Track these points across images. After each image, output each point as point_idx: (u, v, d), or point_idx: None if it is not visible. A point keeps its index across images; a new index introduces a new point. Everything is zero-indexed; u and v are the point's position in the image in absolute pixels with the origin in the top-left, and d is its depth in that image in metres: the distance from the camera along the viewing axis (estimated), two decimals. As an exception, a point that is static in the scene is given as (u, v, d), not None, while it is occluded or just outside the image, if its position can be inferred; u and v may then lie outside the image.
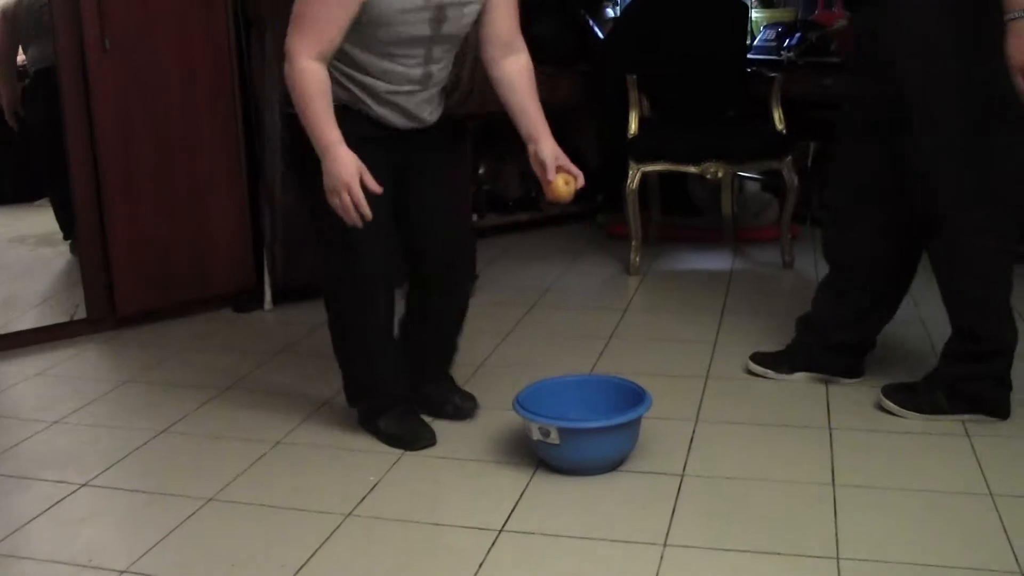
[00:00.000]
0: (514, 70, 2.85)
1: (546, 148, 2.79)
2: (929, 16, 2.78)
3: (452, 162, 3.15)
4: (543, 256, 5.29)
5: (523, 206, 5.85)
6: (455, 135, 3.07)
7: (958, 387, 3.02)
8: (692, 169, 4.82)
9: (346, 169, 2.59)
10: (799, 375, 3.38)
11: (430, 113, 2.91)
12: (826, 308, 3.32)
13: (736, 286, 4.62)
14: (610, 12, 6.35)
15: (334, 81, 2.72)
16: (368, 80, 2.76)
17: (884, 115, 2.96)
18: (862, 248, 3.17)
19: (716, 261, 5.12)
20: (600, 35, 5.93)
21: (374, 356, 3.00)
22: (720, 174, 4.79)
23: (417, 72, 2.78)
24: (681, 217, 5.73)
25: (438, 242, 3.03)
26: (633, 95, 5.01)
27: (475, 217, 5.53)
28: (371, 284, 2.90)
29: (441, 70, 2.85)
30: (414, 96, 2.83)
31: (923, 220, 2.98)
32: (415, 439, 3.00)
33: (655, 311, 4.34)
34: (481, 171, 5.76)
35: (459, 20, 2.75)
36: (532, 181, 5.83)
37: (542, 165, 2.79)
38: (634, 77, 5.03)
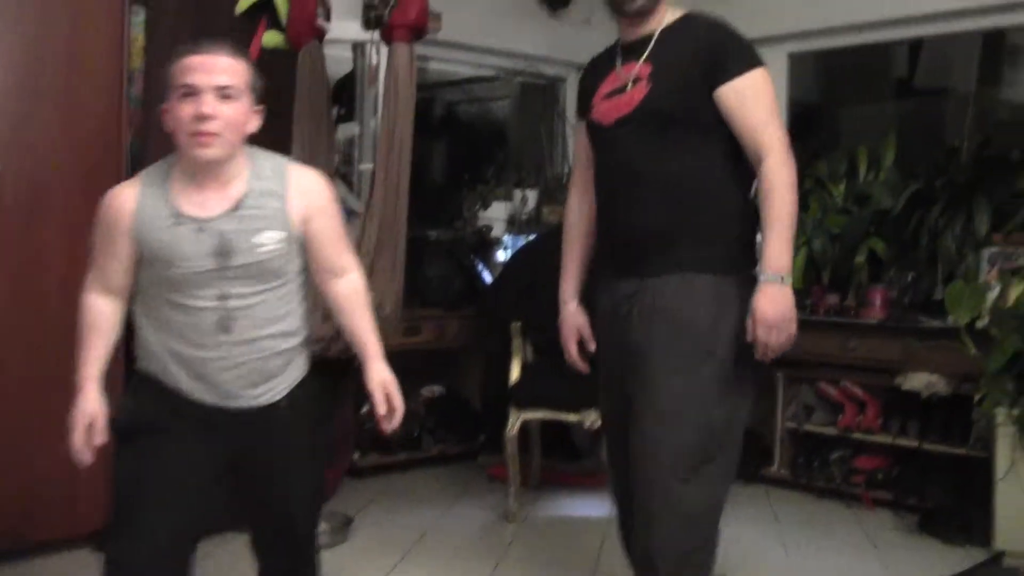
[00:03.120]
0: (340, 294, 2.74)
1: (372, 376, 2.69)
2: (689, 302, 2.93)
3: (306, 445, 2.80)
4: (423, 497, 5.28)
5: (405, 445, 5.84)
6: (317, 398, 2.82)
7: None
8: (572, 417, 4.90)
9: (80, 412, 2.56)
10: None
11: (249, 390, 2.62)
12: None
13: (612, 533, 4.63)
14: (500, 256, 6.53)
15: (144, 349, 2.64)
16: (165, 338, 2.59)
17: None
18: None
19: (595, 507, 5.14)
20: (488, 280, 6.09)
21: None
22: (599, 423, 4.86)
23: (211, 318, 2.54)
24: (562, 461, 5.79)
25: (277, 534, 2.80)
26: (516, 341, 5.14)
27: (356, 455, 5.53)
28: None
29: (248, 318, 2.57)
30: (217, 360, 2.57)
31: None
32: None
33: (528, 562, 4.33)
34: (364, 410, 5.77)
35: (252, 251, 2.54)
36: (414, 420, 5.88)
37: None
38: (518, 324, 5.17)
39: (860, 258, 5.17)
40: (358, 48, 5.26)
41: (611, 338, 3.11)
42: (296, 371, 2.71)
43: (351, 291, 2.75)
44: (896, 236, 5.17)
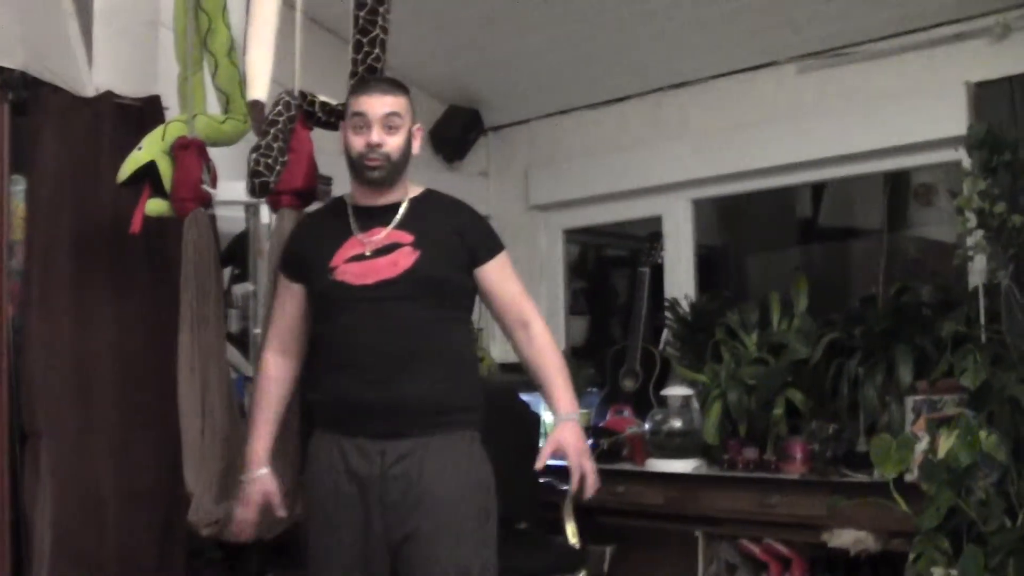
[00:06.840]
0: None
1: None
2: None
3: None
4: None
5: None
6: None
7: None
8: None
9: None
10: None
11: None
12: None
13: None
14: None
15: None
16: None
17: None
18: None
19: None
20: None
21: None
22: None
23: None
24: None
25: None
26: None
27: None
28: None
29: None
30: None
31: None
32: None
33: None
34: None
35: None
36: None
37: None
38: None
39: (778, 410, 5.00)
40: (250, 208, 5.11)
41: (366, 498, 3.24)
42: None
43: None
44: (814, 386, 4.99)
